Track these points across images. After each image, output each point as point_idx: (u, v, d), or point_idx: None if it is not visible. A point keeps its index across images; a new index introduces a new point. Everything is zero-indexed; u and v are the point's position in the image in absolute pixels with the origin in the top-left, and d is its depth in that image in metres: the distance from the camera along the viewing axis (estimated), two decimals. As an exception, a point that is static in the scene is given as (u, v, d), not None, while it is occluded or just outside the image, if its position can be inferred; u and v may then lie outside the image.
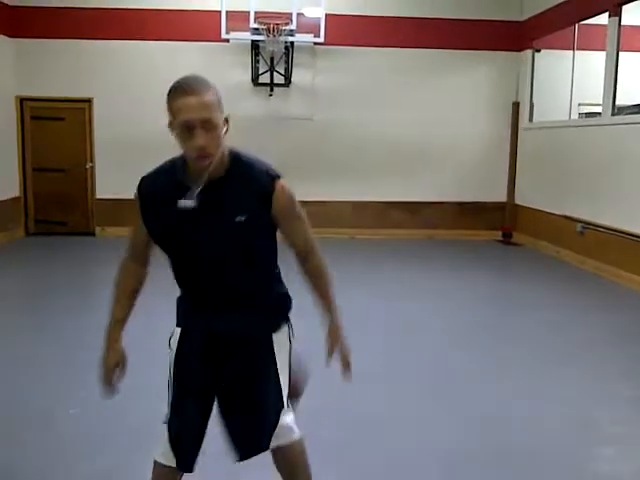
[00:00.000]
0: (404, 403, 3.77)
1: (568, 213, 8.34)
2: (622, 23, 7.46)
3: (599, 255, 7.60)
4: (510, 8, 9.93)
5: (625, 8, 7.42)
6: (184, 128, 1.83)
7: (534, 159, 9.66)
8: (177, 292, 2.17)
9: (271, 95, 9.59)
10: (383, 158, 9.88)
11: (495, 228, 10.24)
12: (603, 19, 7.73)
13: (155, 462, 2.14)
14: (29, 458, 3.03)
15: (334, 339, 2.10)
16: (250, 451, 2.14)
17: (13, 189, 9.52)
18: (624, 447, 3.33)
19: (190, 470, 2.13)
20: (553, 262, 8.43)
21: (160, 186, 2.04)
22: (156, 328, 5.08)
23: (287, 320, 2.19)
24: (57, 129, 9.68)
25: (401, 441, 3.24)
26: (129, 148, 9.63)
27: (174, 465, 2.09)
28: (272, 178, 1.98)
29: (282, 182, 1.99)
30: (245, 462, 2.13)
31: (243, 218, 1.93)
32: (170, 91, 1.90)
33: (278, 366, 2.13)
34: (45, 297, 6.20)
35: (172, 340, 2.15)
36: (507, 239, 10.14)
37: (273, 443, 2.14)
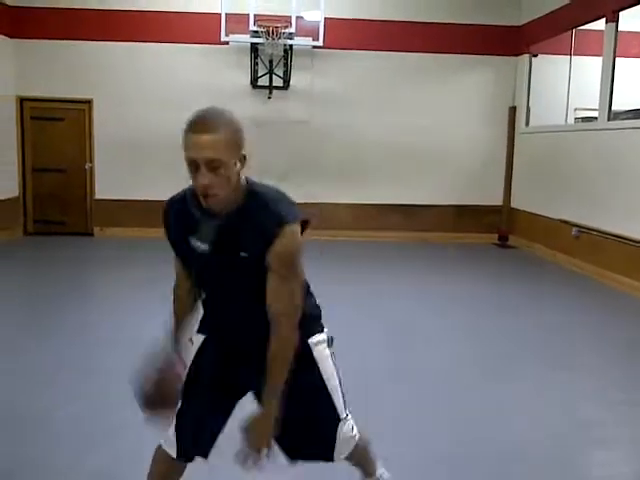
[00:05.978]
0: (397, 404, 3.81)
1: (564, 217, 8.40)
2: (619, 29, 7.53)
3: (594, 259, 7.66)
4: (508, 13, 9.99)
5: (622, 14, 7.48)
6: (190, 165, 1.79)
7: (531, 163, 9.71)
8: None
9: (270, 98, 9.64)
10: (380, 161, 9.93)
11: (491, 231, 10.29)
12: (600, 25, 7.79)
13: (159, 446, 2.18)
14: (27, 457, 3.06)
15: (257, 431, 1.95)
16: (310, 457, 2.21)
17: (12, 189, 9.55)
18: (616, 450, 3.36)
19: (188, 460, 2.18)
20: (549, 265, 8.49)
21: (175, 212, 2.03)
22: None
23: (321, 328, 2.17)
24: (57, 130, 9.72)
25: (396, 441, 3.27)
26: (128, 149, 9.69)
27: (173, 454, 2.13)
28: (280, 224, 1.84)
29: (290, 231, 1.86)
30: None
31: (246, 254, 1.89)
32: (186, 125, 1.81)
33: (324, 376, 2.11)
34: (43, 297, 6.23)
35: (193, 339, 2.19)
36: (503, 242, 10.19)
37: (337, 457, 2.17)
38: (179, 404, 2.11)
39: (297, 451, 2.17)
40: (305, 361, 2.04)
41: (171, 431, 2.14)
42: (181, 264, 2.11)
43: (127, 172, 9.71)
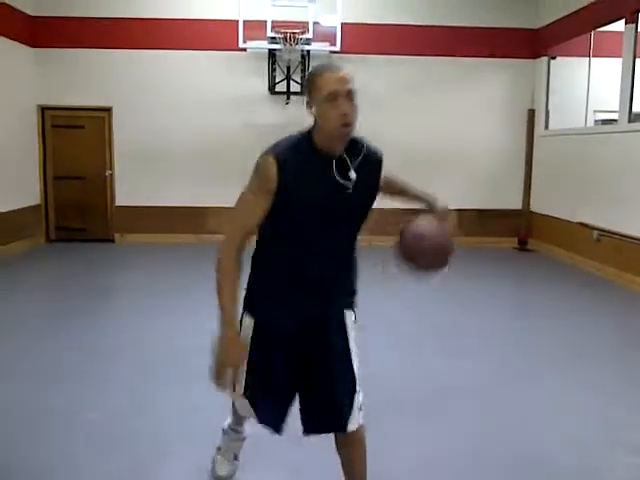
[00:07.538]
0: (419, 406, 3.80)
1: (584, 220, 8.33)
2: (639, 30, 7.46)
3: (615, 262, 7.58)
4: (526, 16, 9.96)
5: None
6: (330, 98, 2.04)
7: (550, 166, 9.65)
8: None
9: (287, 103, 9.67)
10: (399, 165, 9.68)
11: (511, 235, 10.23)
12: (619, 26, 7.74)
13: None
14: (50, 459, 3.10)
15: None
16: (324, 428, 2.28)
17: (34, 197, 9.69)
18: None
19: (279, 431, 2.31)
20: (569, 269, 8.41)
21: (302, 159, 2.13)
22: (162, 328, 5.16)
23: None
24: (77, 137, 9.84)
25: (415, 443, 3.27)
26: (148, 156, 9.79)
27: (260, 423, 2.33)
28: (380, 152, 2.32)
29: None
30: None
31: (369, 189, 2.24)
32: (315, 71, 2.14)
33: (351, 346, 2.25)
34: (65, 303, 6.30)
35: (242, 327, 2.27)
36: (523, 246, 10.12)
37: (351, 426, 2.23)
38: (250, 381, 2.24)
39: (314, 419, 2.26)
40: (340, 329, 2.25)
41: (243, 404, 2.34)
42: (260, 217, 2.11)
43: (147, 179, 9.80)
